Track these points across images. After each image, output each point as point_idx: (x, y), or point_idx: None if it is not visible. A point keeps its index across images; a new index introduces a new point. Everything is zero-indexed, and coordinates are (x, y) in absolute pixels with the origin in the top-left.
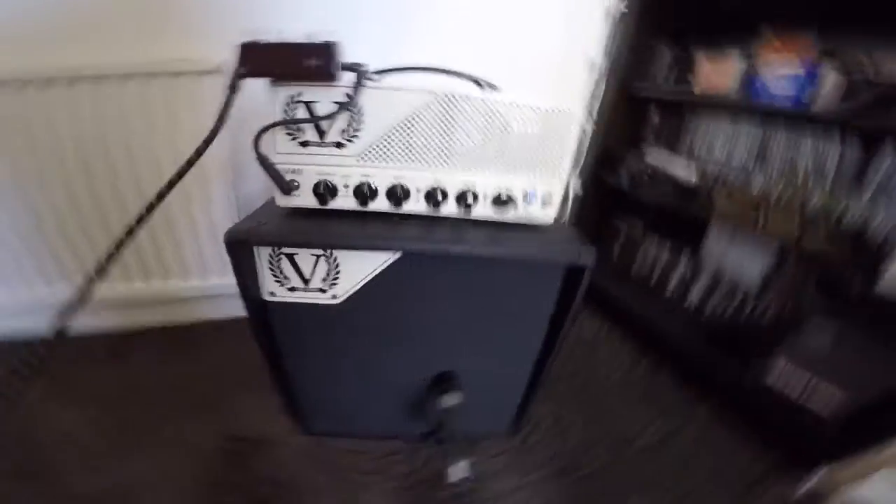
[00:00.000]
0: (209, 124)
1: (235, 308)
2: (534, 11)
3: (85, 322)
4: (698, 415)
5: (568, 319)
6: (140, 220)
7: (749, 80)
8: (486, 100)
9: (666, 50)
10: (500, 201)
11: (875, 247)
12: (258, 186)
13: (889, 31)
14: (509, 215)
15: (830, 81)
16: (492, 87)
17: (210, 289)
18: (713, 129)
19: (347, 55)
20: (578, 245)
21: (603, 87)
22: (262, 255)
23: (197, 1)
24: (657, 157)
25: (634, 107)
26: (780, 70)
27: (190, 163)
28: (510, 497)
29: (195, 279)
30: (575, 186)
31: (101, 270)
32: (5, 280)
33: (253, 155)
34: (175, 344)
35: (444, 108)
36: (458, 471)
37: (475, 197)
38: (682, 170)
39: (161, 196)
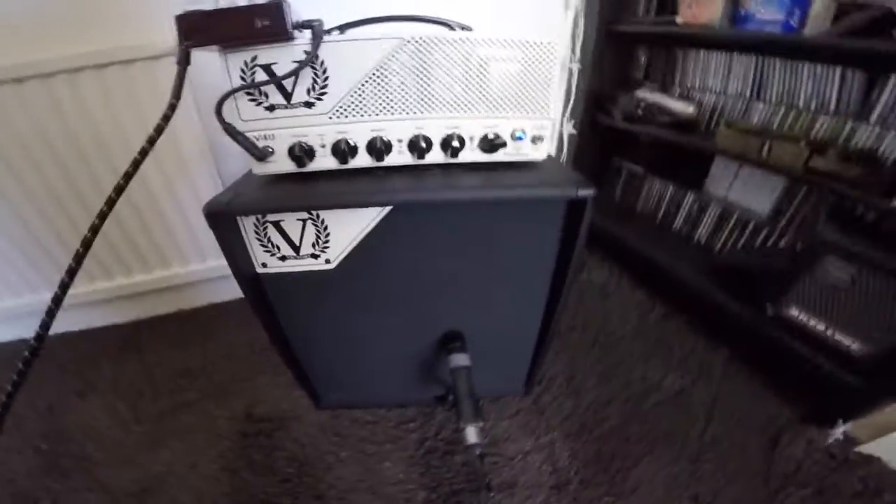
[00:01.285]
0: (190, 109)
1: (237, 289)
2: None
3: (93, 320)
4: (715, 363)
5: (572, 264)
6: (103, 215)
7: (735, 9)
8: (459, 39)
9: None
10: (487, 142)
11: (889, 165)
12: (241, 163)
13: None
14: (499, 156)
15: (819, 6)
16: (464, 27)
17: (210, 271)
18: (705, 63)
19: (301, 14)
20: (576, 179)
21: (582, 24)
22: (248, 226)
23: None
24: (650, 94)
25: (620, 45)
26: None
27: (151, 141)
28: (526, 459)
29: (194, 264)
30: (569, 128)
31: (74, 271)
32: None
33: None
34: (185, 330)
35: (415, 53)
36: (470, 434)
37: (461, 141)
38: (677, 103)
39: (119, 190)
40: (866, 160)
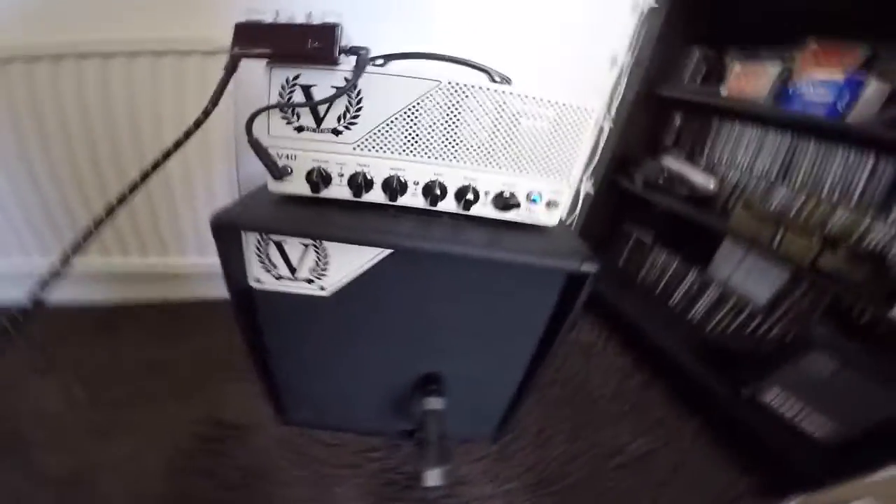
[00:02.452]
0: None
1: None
2: (559, 1)
3: (75, 293)
4: (685, 433)
5: (563, 330)
6: (122, 199)
7: (783, 87)
8: (495, 90)
9: (696, 51)
10: (502, 200)
11: (891, 273)
12: (261, 169)
13: None
14: (511, 215)
15: (871, 91)
16: (505, 79)
17: (206, 267)
18: (738, 136)
19: (353, 36)
20: (582, 252)
21: (625, 85)
22: (250, 240)
23: None
24: (675, 162)
25: (657, 108)
26: (819, 77)
27: (177, 144)
28: None
29: (192, 257)
30: (587, 187)
31: (79, 246)
32: (5, 249)
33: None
34: (165, 321)
35: (450, 98)
36: (430, 476)
37: (476, 195)
38: (699, 176)
39: (145, 176)
40: (875, 262)
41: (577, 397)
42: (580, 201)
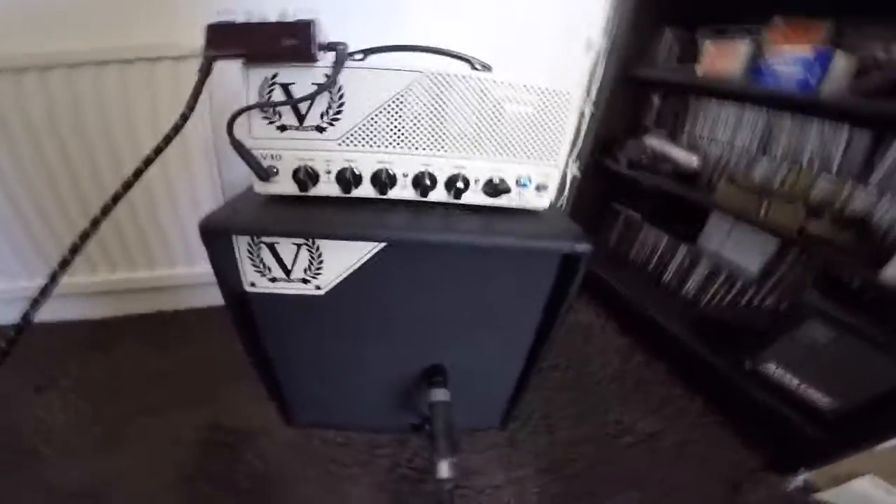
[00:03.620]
0: (200, 108)
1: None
2: None
3: (69, 310)
4: (689, 410)
5: (561, 312)
6: (106, 210)
7: (755, 65)
8: (478, 79)
9: (669, 32)
10: (492, 186)
11: (880, 234)
12: (244, 171)
13: None
14: (502, 201)
15: (841, 65)
16: (485, 66)
17: (196, 276)
18: (716, 114)
19: (328, 35)
20: (574, 233)
21: (602, 68)
22: (242, 244)
23: None
24: (657, 142)
25: (636, 90)
26: (790, 54)
27: (157, 151)
28: (495, 494)
29: (181, 267)
30: (573, 170)
31: (67, 263)
32: None
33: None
34: (161, 332)
35: (433, 89)
36: (443, 468)
37: (466, 182)
38: (682, 154)
39: (127, 186)
40: (860, 227)
41: (580, 380)
42: (568, 184)
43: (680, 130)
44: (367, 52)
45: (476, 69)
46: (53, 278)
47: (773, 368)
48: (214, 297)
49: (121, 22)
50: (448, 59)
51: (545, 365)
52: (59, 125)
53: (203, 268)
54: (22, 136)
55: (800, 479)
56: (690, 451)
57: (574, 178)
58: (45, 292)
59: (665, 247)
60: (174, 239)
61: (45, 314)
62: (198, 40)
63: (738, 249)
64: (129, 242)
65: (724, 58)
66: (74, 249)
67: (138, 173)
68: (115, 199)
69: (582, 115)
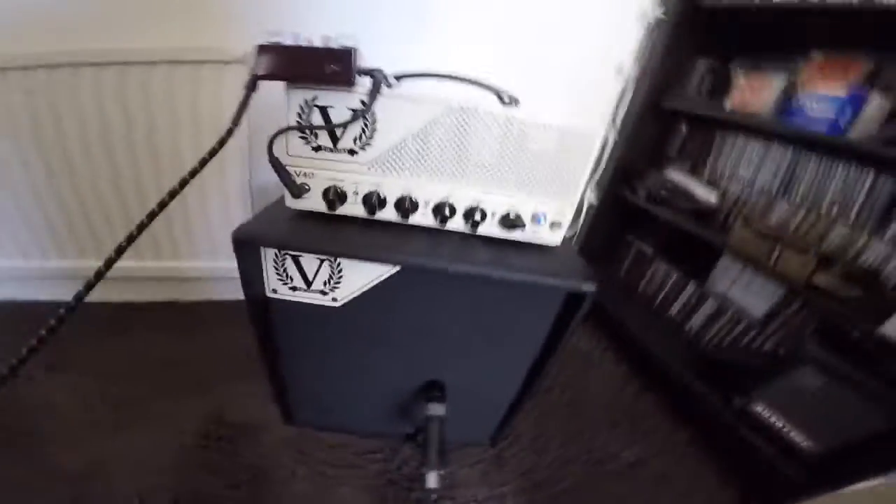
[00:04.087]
0: (229, 114)
1: (241, 291)
2: (566, 10)
3: (91, 292)
4: (676, 441)
5: (562, 344)
6: (162, 205)
7: (786, 102)
8: (504, 115)
9: (702, 63)
10: (508, 221)
11: (888, 288)
12: (273, 177)
13: None
14: (516, 235)
15: (874, 106)
16: (514, 100)
17: (217, 270)
18: (741, 149)
19: (366, 55)
20: (581, 272)
21: (630, 95)
22: (268, 254)
23: None
24: (678, 175)
25: (662, 119)
26: (823, 92)
27: (211, 154)
28: None
29: (204, 260)
30: (590, 197)
31: (122, 250)
32: (23, 249)
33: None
34: (176, 321)
35: (461, 121)
36: (431, 479)
37: (483, 215)
38: (702, 190)
39: (183, 184)
40: (868, 282)
41: (574, 404)
42: (584, 212)
43: (702, 164)
44: (401, 77)
45: (504, 101)
46: (108, 264)
47: (760, 409)
48: (231, 292)
49: (172, 25)
50: (478, 88)
51: (542, 388)
52: (108, 120)
53: (223, 263)
54: (72, 128)
55: None
56: (671, 482)
57: (591, 206)
58: (98, 276)
59: (674, 283)
60: (199, 233)
61: (66, 294)
62: (241, 46)
63: (746, 292)
64: (157, 233)
65: (755, 92)
66: (131, 238)
67: (194, 173)
68: (172, 195)
69: (605, 142)
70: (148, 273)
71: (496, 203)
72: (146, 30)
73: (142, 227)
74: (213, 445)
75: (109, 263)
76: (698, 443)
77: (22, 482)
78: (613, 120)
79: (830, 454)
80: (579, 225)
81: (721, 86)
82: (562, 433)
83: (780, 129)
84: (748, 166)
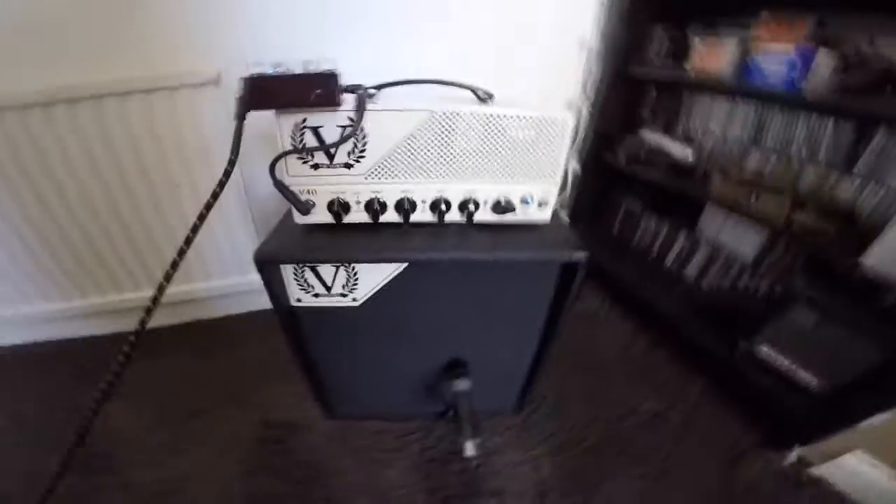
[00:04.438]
0: (211, 133)
1: (256, 302)
2: None
3: (115, 325)
4: (691, 391)
5: (565, 310)
6: (195, 229)
7: (743, 63)
8: (482, 113)
9: (661, 31)
10: (499, 207)
11: (862, 223)
12: (267, 189)
13: (891, 16)
14: (509, 218)
15: (823, 64)
16: (489, 95)
17: (230, 287)
18: (709, 108)
19: (343, 61)
20: (572, 243)
21: (598, 68)
22: (287, 268)
23: (187, 16)
24: (653, 136)
25: (631, 87)
26: (775, 53)
27: (221, 186)
28: (513, 471)
29: (216, 279)
30: (574, 165)
31: (169, 276)
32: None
33: (259, 159)
34: (204, 339)
35: (443, 125)
36: (469, 448)
37: (476, 204)
38: (677, 147)
39: (209, 206)
40: (843, 216)
41: (588, 365)
42: (569, 180)
43: (675, 124)
44: (381, 87)
45: (479, 97)
46: (161, 290)
47: (765, 350)
48: (246, 304)
49: (136, 54)
50: (454, 88)
51: (554, 352)
52: (93, 154)
53: (236, 279)
54: (62, 169)
55: (793, 455)
56: (692, 430)
57: (575, 173)
58: (155, 301)
59: (665, 234)
60: (208, 254)
61: (96, 329)
62: (211, 66)
63: (734, 236)
64: (167, 261)
65: (712, 56)
66: (175, 265)
67: (209, 207)
68: (201, 218)
69: (579, 112)
70: (166, 299)
71: (487, 192)
72: (114, 61)
73: (182, 253)
74: (268, 448)
75: (161, 289)
76: (713, 390)
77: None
78: (584, 91)
79: (839, 391)
80: (567, 193)
81: (681, 50)
82: (580, 394)
83: (740, 88)
84: (718, 122)
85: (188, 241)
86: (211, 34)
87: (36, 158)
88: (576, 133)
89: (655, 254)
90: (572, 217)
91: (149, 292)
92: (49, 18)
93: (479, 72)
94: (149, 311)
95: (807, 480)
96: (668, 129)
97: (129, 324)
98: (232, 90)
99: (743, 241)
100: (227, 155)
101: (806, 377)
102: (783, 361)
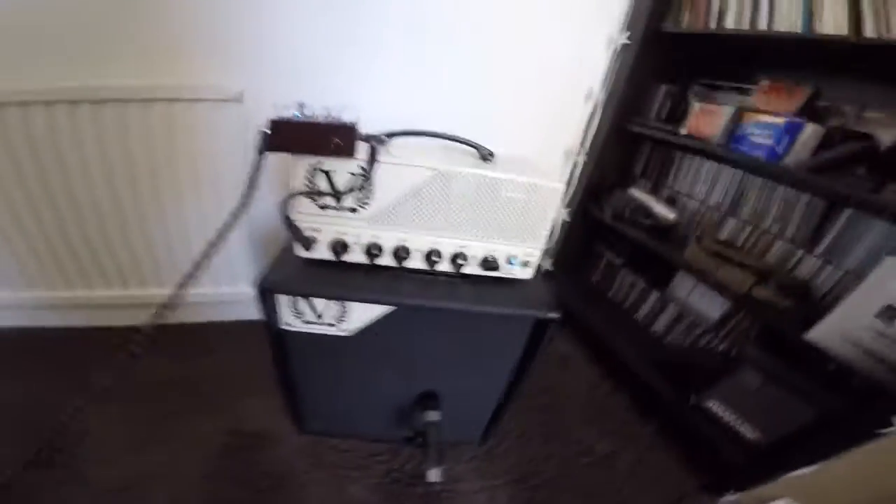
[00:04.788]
0: (226, 148)
1: (240, 313)
2: (537, 43)
3: (97, 317)
4: (643, 435)
5: (534, 359)
6: (221, 234)
7: (734, 128)
8: (480, 175)
9: (663, 89)
10: (486, 263)
11: (817, 300)
12: (265, 209)
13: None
14: (494, 273)
15: (807, 136)
16: (490, 154)
17: (220, 295)
18: (697, 169)
19: (357, 98)
20: (547, 303)
21: (599, 118)
22: (282, 297)
23: (218, 30)
24: (641, 193)
25: (628, 141)
26: (765, 122)
27: (239, 209)
28: (473, 497)
29: (207, 287)
30: (563, 215)
31: (192, 275)
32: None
33: (263, 181)
34: (184, 343)
35: (444, 182)
36: (433, 474)
37: (465, 259)
38: (661, 208)
39: (235, 216)
40: (800, 293)
41: (553, 405)
42: (557, 227)
43: (664, 182)
44: (392, 135)
45: (482, 154)
46: (181, 287)
47: (713, 404)
48: (233, 313)
49: (164, 62)
50: (460, 144)
51: (524, 392)
52: (108, 156)
53: (225, 288)
54: (76, 167)
55: (728, 499)
56: (639, 471)
57: (564, 222)
58: (175, 298)
59: (639, 290)
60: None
61: (79, 320)
62: (235, 85)
63: (702, 299)
64: (161, 263)
65: (708, 119)
66: (197, 266)
67: (230, 224)
68: (220, 234)
69: (575, 164)
70: (153, 300)
71: (476, 248)
72: (141, 68)
73: (206, 255)
74: (234, 456)
75: (182, 286)
76: (664, 436)
77: (67, 499)
78: (583, 143)
79: (774, 444)
80: (553, 241)
81: (680, 110)
82: (543, 430)
83: (727, 154)
84: (703, 184)
85: (206, 254)
86: (237, 53)
87: (53, 154)
88: (569, 183)
89: (629, 306)
90: (556, 264)
91: (133, 291)
92: (86, 22)
93: (492, 108)
94: (161, 313)
95: None
96: (657, 189)
97: (106, 318)
98: (252, 108)
99: (709, 304)
100: (236, 170)
101: (746, 430)
102: (729, 415)
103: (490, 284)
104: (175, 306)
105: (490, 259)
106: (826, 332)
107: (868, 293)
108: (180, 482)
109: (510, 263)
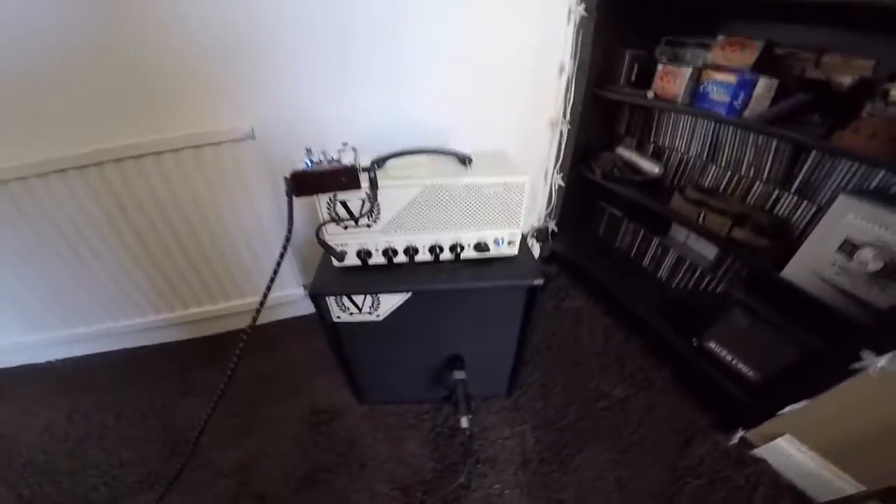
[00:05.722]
0: (251, 182)
1: (293, 311)
2: (504, 25)
3: (184, 332)
4: (656, 379)
5: (534, 317)
6: (282, 255)
7: (695, 89)
8: (459, 182)
9: (627, 54)
10: (479, 247)
11: (795, 238)
12: (302, 228)
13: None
14: (486, 254)
15: (761, 89)
16: (468, 158)
17: (276, 299)
18: (674, 123)
19: (355, 113)
20: (533, 273)
21: (573, 89)
22: (331, 297)
23: (224, 80)
24: (626, 152)
25: (607, 107)
26: (720, 81)
27: (284, 249)
28: (503, 443)
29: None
30: (558, 180)
31: (269, 286)
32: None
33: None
34: (255, 343)
35: (433, 192)
36: (464, 421)
37: (462, 247)
38: (647, 163)
39: (279, 264)
40: (778, 232)
41: (570, 356)
42: (554, 194)
43: (647, 139)
44: (386, 158)
45: (460, 159)
46: (265, 297)
47: (713, 346)
48: (289, 312)
49: (188, 113)
50: (444, 155)
51: (542, 345)
52: (160, 200)
53: (280, 292)
54: (136, 215)
55: (737, 437)
56: (653, 413)
57: (560, 187)
58: (262, 304)
59: (642, 238)
60: (255, 276)
61: (170, 336)
62: (247, 123)
63: (698, 242)
64: (224, 282)
65: (670, 81)
66: (272, 279)
67: (282, 255)
68: (282, 256)
69: (561, 133)
70: (224, 312)
71: (469, 237)
72: (167, 122)
73: (276, 270)
74: (316, 429)
75: (266, 295)
76: (676, 378)
77: (197, 482)
78: (564, 113)
79: (769, 382)
80: (552, 205)
81: (649, 72)
82: (562, 381)
83: (692, 111)
84: (682, 138)
85: (274, 273)
86: (243, 97)
87: (134, 204)
88: (559, 151)
89: (634, 255)
90: (560, 225)
91: (210, 307)
92: (113, 90)
93: (475, 96)
94: (258, 311)
95: (749, 460)
96: (642, 145)
97: (196, 331)
98: (265, 140)
99: (705, 246)
100: (264, 195)
101: (745, 370)
102: (726, 356)
103: (485, 265)
104: (259, 311)
105: (482, 244)
106: (797, 269)
107: (827, 228)
108: (283, 455)
109: (498, 245)
